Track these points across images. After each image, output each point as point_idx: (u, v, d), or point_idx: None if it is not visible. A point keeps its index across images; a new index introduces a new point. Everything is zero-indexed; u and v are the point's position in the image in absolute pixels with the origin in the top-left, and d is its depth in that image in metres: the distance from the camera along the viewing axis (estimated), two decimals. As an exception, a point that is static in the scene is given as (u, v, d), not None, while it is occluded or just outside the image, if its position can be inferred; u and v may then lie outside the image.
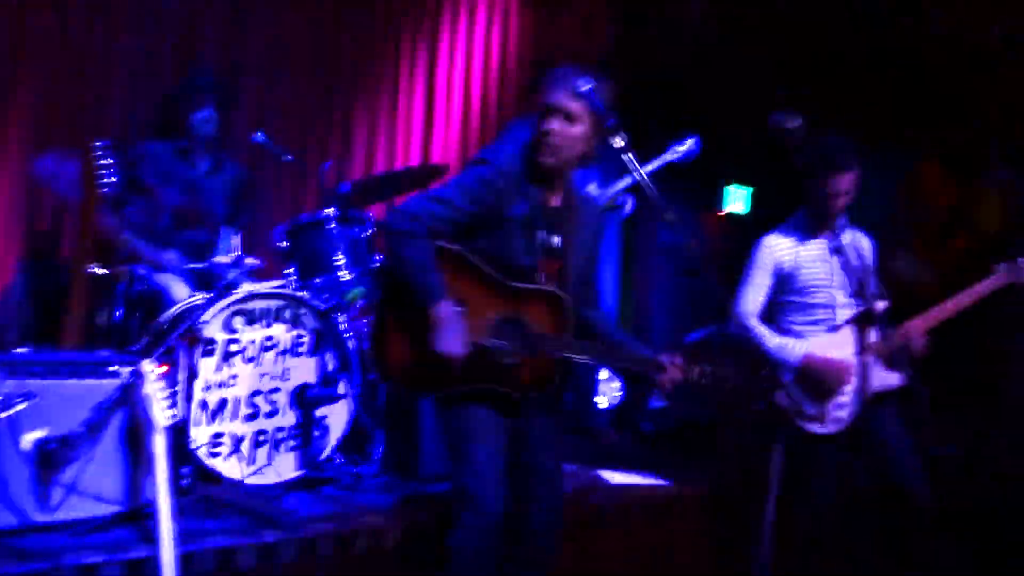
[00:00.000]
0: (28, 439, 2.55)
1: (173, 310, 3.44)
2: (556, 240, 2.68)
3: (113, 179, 3.03)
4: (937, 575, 3.31)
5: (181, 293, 3.57)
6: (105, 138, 3.17)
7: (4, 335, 3.42)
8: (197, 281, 3.61)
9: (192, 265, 3.69)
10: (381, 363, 2.61)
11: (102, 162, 3.02)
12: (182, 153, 3.99)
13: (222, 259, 3.62)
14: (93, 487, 2.66)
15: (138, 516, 2.70)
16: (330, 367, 3.46)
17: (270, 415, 3.35)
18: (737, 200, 6.46)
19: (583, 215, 2.75)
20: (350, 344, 3.47)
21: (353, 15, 5.21)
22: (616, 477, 3.86)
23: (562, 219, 2.69)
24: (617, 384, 4.45)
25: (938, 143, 5.59)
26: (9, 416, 2.46)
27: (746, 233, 3.69)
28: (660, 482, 3.89)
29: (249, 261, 3.61)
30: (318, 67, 5.05)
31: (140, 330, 3.47)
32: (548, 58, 5.41)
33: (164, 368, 2.65)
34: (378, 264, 3.70)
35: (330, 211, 3.74)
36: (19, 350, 2.70)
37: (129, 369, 2.77)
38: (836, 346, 3.29)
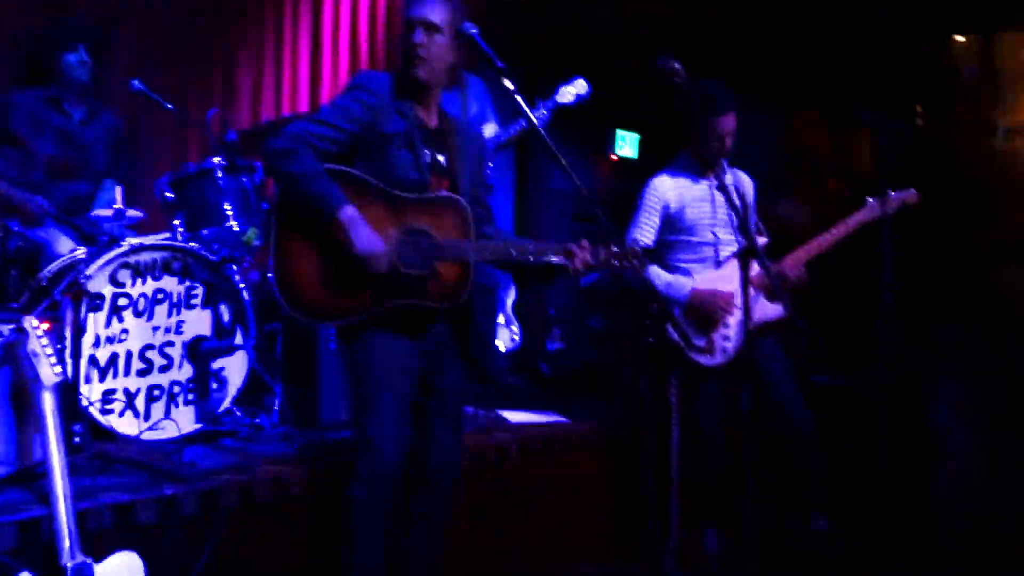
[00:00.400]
0: (-95, 402, 2.44)
1: (55, 264, 3.32)
2: (441, 159, 2.71)
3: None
4: (818, 506, 3.53)
5: (63, 248, 3.44)
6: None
7: None
8: (78, 235, 3.47)
9: (71, 218, 3.53)
10: (290, 296, 2.53)
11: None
12: (54, 101, 3.79)
13: (103, 212, 3.49)
14: (-22, 449, 2.57)
15: (29, 476, 2.63)
16: (225, 318, 3.41)
17: (164, 369, 3.28)
18: (626, 145, 6.60)
19: (465, 136, 2.80)
20: (244, 295, 3.42)
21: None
22: (516, 416, 3.95)
23: (443, 139, 2.74)
24: (516, 327, 4.52)
25: (813, 93, 5.83)
26: None
27: (635, 177, 3.79)
28: (559, 420, 4.00)
29: (132, 213, 3.50)
30: (199, 12, 4.89)
31: (20, 286, 3.34)
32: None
33: (48, 325, 2.56)
34: (268, 208, 3.65)
35: (217, 160, 3.65)
36: None
37: (10, 326, 2.66)
38: (721, 281, 3.44)
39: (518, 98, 2.63)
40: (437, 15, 2.61)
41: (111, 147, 3.92)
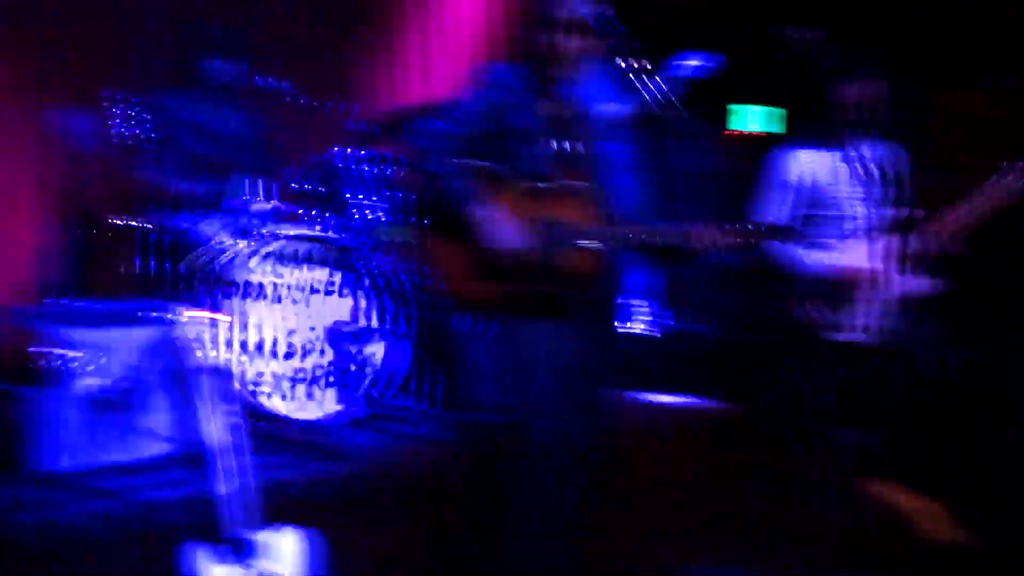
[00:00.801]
0: (84, 384, 2.63)
1: (205, 256, 3.50)
2: (570, 146, 2.74)
3: (133, 131, 3.05)
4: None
5: (209, 236, 3.62)
6: (120, 90, 3.19)
7: (49, 290, 3.48)
8: (225, 227, 3.65)
9: (219, 211, 3.72)
10: (437, 286, 2.66)
11: (118, 114, 3.04)
12: (200, 102, 3.99)
13: (251, 206, 3.66)
14: (147, 429, 2.75)
15: (193, 455, 2.79)
16: (364, 304, 3.53)
17: (308, 353, 3.43)
18: (753, 120, 6.43)
19: (591, 120, 2.81)
20: (381, 282, 3.53)
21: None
22: (657, 397, 3.93)
23: (572, 126, 2.75)
24: (652, 309, 4.52)
25: (963, 66, 5.55)
26: (66, 365, 2.53)
27: (763, 152, 3.71)
28: (698, 401, 3.97)
29: (272, 204, 3.66)
30: (327, 7, 5.04)
31: (174, 277, 3.53)
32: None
33: (202, 312, 2.72)
34: (400, 200, 3.75)
35: (352, 151, 3.78)
36: (67, 302, 2.76)
37: (169, 315, 2.83)
38: (860, 255, 3.33)
39: (638, 75, 2.62)
40: (577, 12, 2.61)
41: (253, 142, 4.10)
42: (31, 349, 1.84)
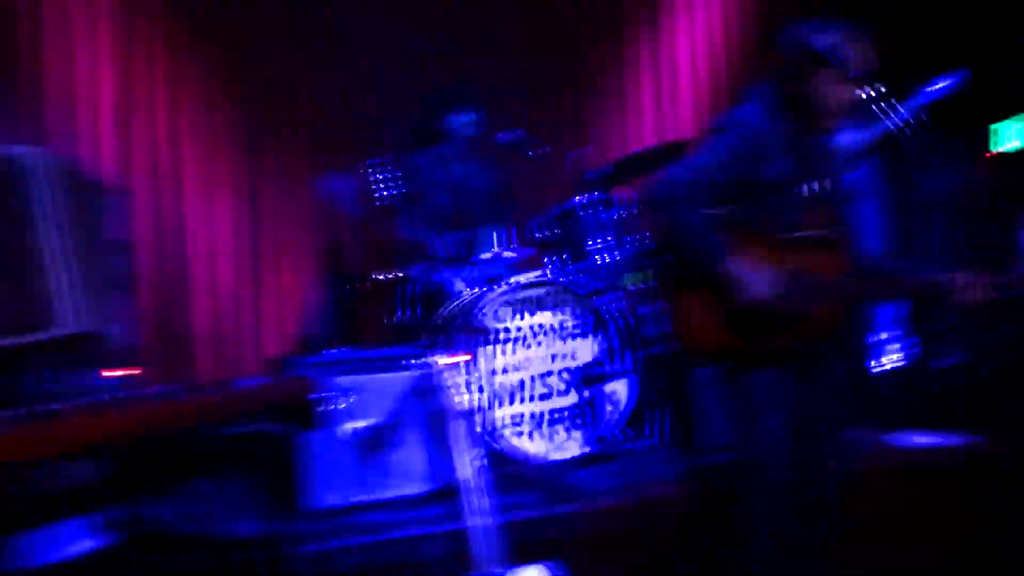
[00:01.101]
0: (348, 427, 2.86)
1: (452, 305, 3.72)
2: (815, 189, 2.65)
3: (389, 192, 3.30)
4: None
5: (457, 287, 3.85)
6: (377, 154, 3.48)
7: (313, 340, 3.84)
8: (469, 277, 3.87)
9: (467, 262, 3.95)
10: (687, 342, 2.64)
11: (377, 177, 3.30)
12: (445, 158, 4.28)
13: (494, 255, 3.86)
14: (406, 468, 2.94)
15: (448, 493, 2.95)
16: (604, 347, 3.59)
17: (550, 396, 3.53)
18: (1012, 137, 5.93)
19: (839, 162, 2.70)
20: (619, 325, 3.59)
21: (571, 7, 5.36)
22: (906, 438, 3.69)
23: (819, 168, 2.66)
24: (903, 343, 4.25)
25: None
26: (334, 408, 2.77)
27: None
28: (951, 438, 3.68)
29: (519, 252, 3.85)
30: (548, 58, 5.24)
31: (426, 326, 3.78)
32: (778, 14, 5.27)
33: (453, 359, 2.88)
34: (637, 244, 3.80)
35: (581, 197, 3.88)
36: (334, 351, 3.03)
37: (424, 361, 3.03)
38: None
39: (882, 101, 2.50)
40: (862, 62, 2.54)
41: (493, 194, 4.33)
42: (307, 395, 2.04)
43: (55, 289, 1.77)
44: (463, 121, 4.18)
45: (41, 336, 1.78)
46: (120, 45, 4.32)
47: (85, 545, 2.30)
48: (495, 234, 4.13)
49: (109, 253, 2.01)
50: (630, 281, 3.71)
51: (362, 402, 2.91)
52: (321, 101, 4.67)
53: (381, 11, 4.83)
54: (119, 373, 3.24)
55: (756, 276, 2.49)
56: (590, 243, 3.82)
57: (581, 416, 3.53)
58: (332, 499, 2.79)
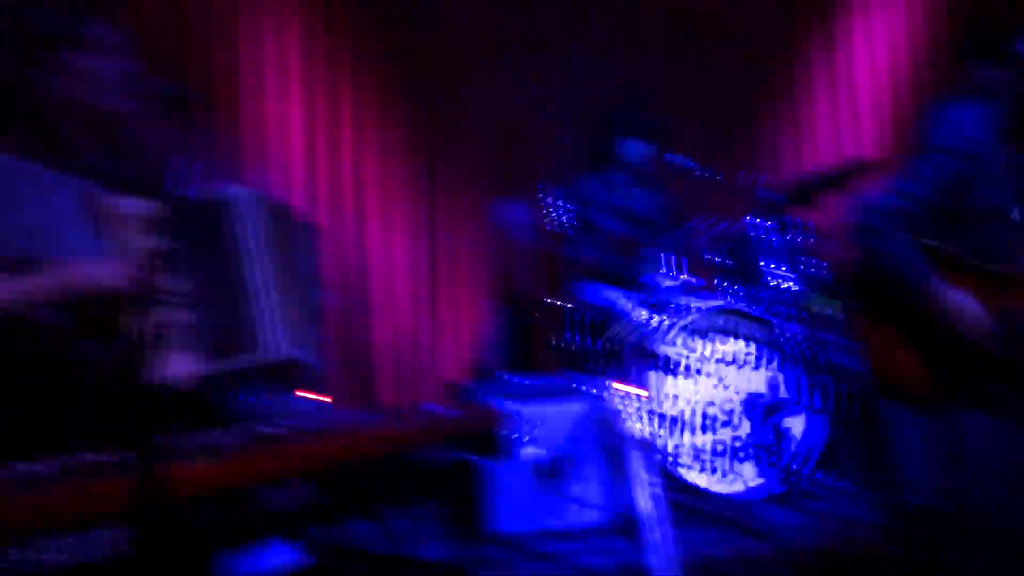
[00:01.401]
0: (527, 454, 2.89)
1: (621, 331, 3.70)
2: None
3: (562, 218, 3.33)
4: None
5: (630, 312, 3.83)
6: (550, 180, 3.51)
7: (487, 365, 3.91)
8: (644, 302, 3.84)
9: (637, 287, 3.92)
10: (883, 377, 2.52)
11: (551, 204, 3.33)
12: (615, 184, 4.27)
13: (664, 281, 3.81)
14: (582, 497, 2.93)
15: (624, 524, 2.93)
16: (781, 377, 3.48)
17: (727, 425, 3.44)
18: None
19: None
20: (807, 353, 3.46)
21: (741, 24, 5.25)
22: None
23: None
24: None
25: None
26: (513, 436, 2.80)
27: None
28: None
29: (685, 279, 3.78)
30: (719, 77, 5.15)
31: (598, 353, 3.77)
32: (975, 24, 4.97)
33: (627, 387, 2.86)
34: (814, 269, 3.66)
35: (759, 220, 3.78)
36: (509, 378, 3.07)
37: (598, 389, 3.02)
38: None
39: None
40: None
41: (664, 219, 4.29)
42: (494, 424, 2.08)
43: (261, 318, 1.89)
44: (634, 149, 4.17)
45: (249, 361, 1.90)
46: (306, 84, 4.58)
47: (285, 561, 2.43)
48: (666, 258, 4.08)
49: (308, 285, 2.13)
50: (815, 304, 3.58)
51: (541, 430, 2.93)
52: (494, 128, 4.78)
53: (553, 36, 4.90)
54: (312, 397, 3.41)
55: (965, 310, 2.35)
56: (764, 267, 3.71)
57: (759, 450, 3.43)
58: (513, 526, 2.82)
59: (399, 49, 4.71)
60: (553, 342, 3.67)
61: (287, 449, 1.52)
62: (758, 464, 3.41)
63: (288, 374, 2.09)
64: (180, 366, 1.83)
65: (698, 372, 3.44)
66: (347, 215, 4.60)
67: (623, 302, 3.88)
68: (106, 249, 1.84)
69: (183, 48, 4.27)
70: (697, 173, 4.18)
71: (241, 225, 1.91)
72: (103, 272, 1.79)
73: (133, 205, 1.85)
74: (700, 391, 3.43)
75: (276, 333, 1.91)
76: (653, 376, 3.35)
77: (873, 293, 2.51)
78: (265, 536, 1.69)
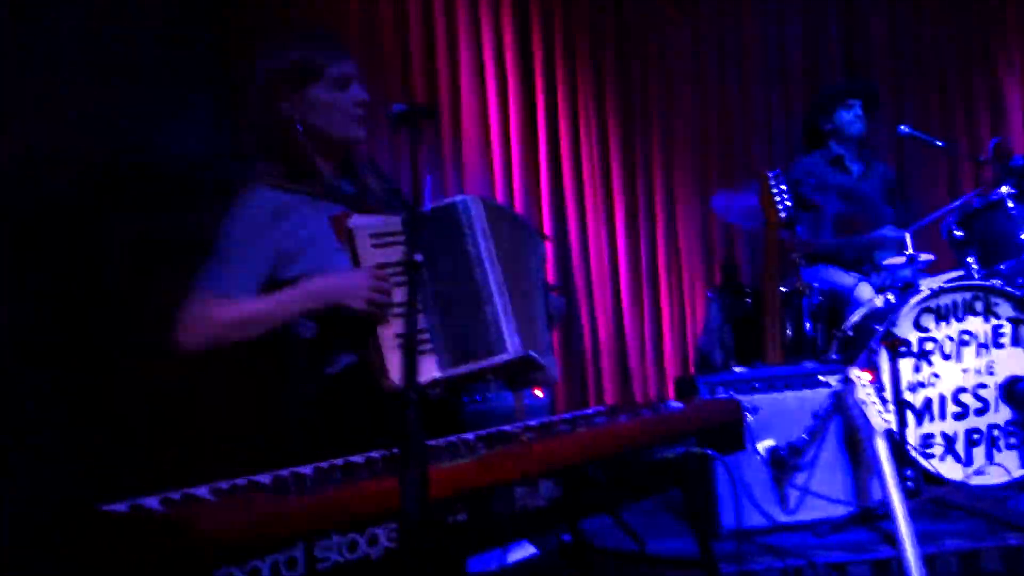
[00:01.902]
0: (761, 447, 2.81)
1: (856, 316, 3.51)
2: None
3: (788, 203, 3.21)
4: None
5: (863, 294, 3.64)
6: (770, 166, 3.39)
7: (710, 358, 3.84)
8: (880, 284, 3.64)
9: (871, 269, 3.73)
10: None
11: (777, 190, 3.22)
12: (835, 161, 4.10)
13: (895, 260, 3.59)
14: (823, 490, 2.82)
15: (869, 517, 2.79)
16: (1040, 355, 3.18)
17: (980, 412, 3.19)
18: None
19: None
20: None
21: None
22: None
23: None
24: None
25: None
26: (749, 429, 2.74)
27: None
28: None
29: (924, 257, 3.54)
30: (950, 39, 4.77)
31: (828, 339, 3.61)
32: None
33: (868, 373, 2.71)
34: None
35: (1006, 190, 3.48)
36: (736, 370, 2.99)
37: (837, 377, 2.89)
38: None
39: None
40: None
41: (886, 195, 4.05)
42: (732, 417, 2.04)
43: (497, 319, 1.94)
44: (849, 117, 3.98)
45: (488, 363, 1.97)
46: (523, 90, 4.68)
47: (527, 556, 2.50)
48: (904, 236, 3.84)
49: (537, 288, 2.17)
50: None
51: (776, 421, 2.84)
52: (707, 117, 4.70)
53: (762, 21, 4.74)
54: (538, 394, 3.48)
55: None
56: (1020, 239, 3.40)
57: (1010, 436, 3.15)
58: (750, 520, 2.75)
59: (612, 45, 4.72)
60: (781, 331, 3.54)
61: (531, 449, 1.56)
62: (1019, 451, 3.14)
63: (523, 375, 2.14)
64: (424, 372, 1.93)
65: (946, 355, 3.21)
66: (569, 216, 4.66)
67: (857, 285, 3.69)
68: (351, 265, 1.96)
69: (407, 61, 4.50)
70: (934, 143, 3.92)
71: (471, 230, 1.97)
72: (349, 283, 1.92)
73: (374, 222, 1.97)
74: (948, 375, 3.20)
75: (512, 334, 1.96)
76: (896, 361, 3.16)
77: None
78: (514, 535, 1.75)
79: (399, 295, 1.94)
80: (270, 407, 2.25)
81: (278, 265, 2.02)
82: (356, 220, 1.96)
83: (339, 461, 1.58)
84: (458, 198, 2.01)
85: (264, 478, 1.47)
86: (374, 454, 1.62)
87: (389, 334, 1.93)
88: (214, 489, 1.41)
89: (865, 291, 3.63)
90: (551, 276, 4.47)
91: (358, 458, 1.59)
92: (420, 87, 4.56)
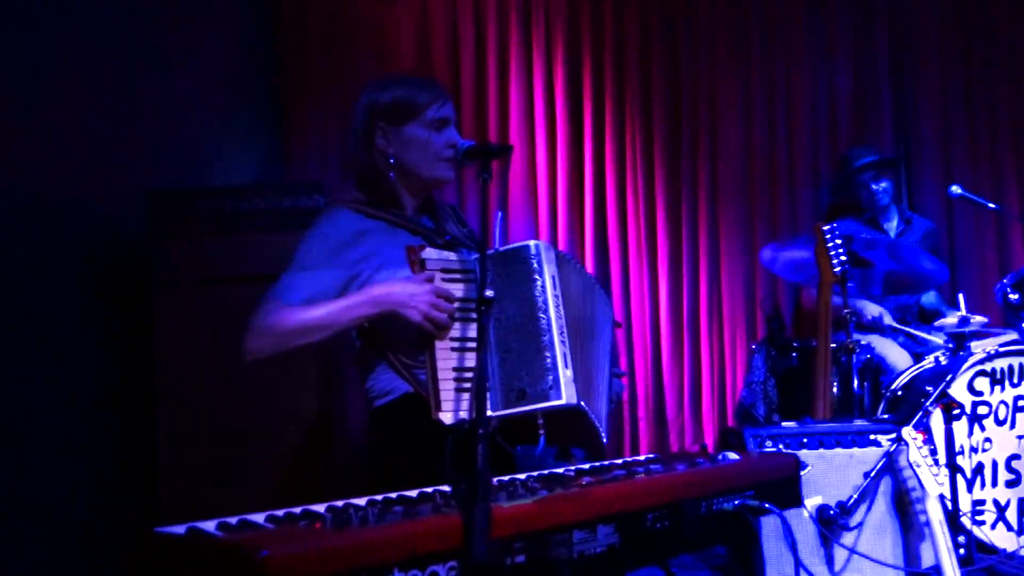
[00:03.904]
0: (810, 504, 2.74)
1: (905, 376, 3.45)
2: None
3: (843, 257, 3.18)
4: None
5: (896, 358, 3.59)
6: (824, 222, 3.36)
7: (752, 411, 3.78)
8: (927, 345, 3.58)
9: (920, 328, 3.68)
10: None
11: (832, 244, 3.19)
12: (871, 221, 4.13)
13: (948, 320, 3.53)
14: (872, 552, 2.74)
15: (920, 583, 2.70)
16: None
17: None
18: None
19: None
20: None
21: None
22: None
23: None
24: None
25: None
26: (799, 484, 2.67)
27: None
28: None
29: (977, 319, 3.47)
30: (999, 99, 4.73)
31: (875, 398, 3.54)
32: None
33: (919, 434, 2.65)
34: None
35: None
36: (785, 424, 2.94)
37: (889, 437, 2.82)
38: None
39: None
40: None
41: (930, 251, 4.01)
42: (790, 472, 1.99)
43: (558, 366, 1.93)
44: (876, 190, 4.06)
45: (544, 406, 1.95)
46: (571, 133, 4.70)
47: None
48: (948, 298, 3.79)
49: (599, 342, 2.17)
50: None
51: (825, 479, 2.78)
52: (754, 167, 4.69)
53: (804, 63, 4.74)
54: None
55: None
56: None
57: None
58: (799, 578, 2.68)
59: (661, 91, 4.73)
60: (826, 387, 3.48)
61: (592, 492, 1.53)
62: (1075, 525, 3.05)
63: (574, 429, 2.12)
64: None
65: (998, 420, 3.13)
66: (612, 261, 4.65)
67: (890, 343, 3.64)
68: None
69: (458, 100, 4.54)
70: (985, 205, 3.89)
71: (540, 275, 1.99)
72: (410, 292, 1.96)
73: (447, 256, 2.00)
74: (1002, 441, 3.12)
75: (569, 382, 1.95)
76: (949, 424, 3.09)
77: None
78: (569, 576, 1.71)
79: (459, 331, 1.94)
80: (317, 432, 2.25)
81: (350, 284, 2.06)
82: (430, 252, 2.00)
83: (392, 495, 1.56)
84: (531, 242, 2.04)
85: (318, 507, 1.45)
86: (427, 489, 1.60)
87: (447, 367, 1.93)
88: (271, 517, 1.39)
89: (896, 352, 3.59)
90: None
91: (411, 492, 1.56)
92: (468, 126, 4.59)
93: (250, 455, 2.94)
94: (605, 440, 2.20)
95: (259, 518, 1.37)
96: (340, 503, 1.48)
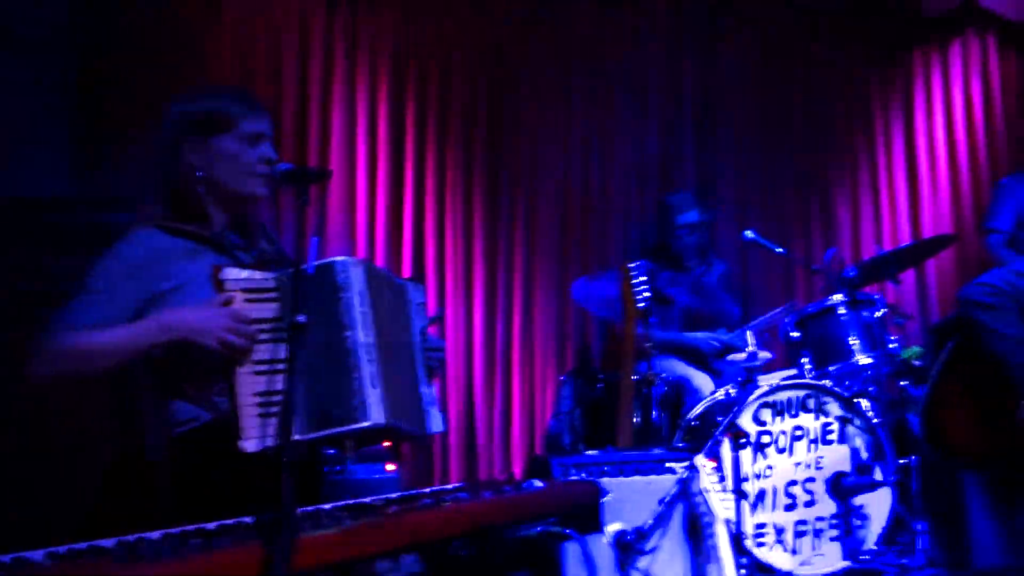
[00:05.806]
0: (608, 531, 2.85)
1: (700, 407, 3.66)
2: None
3: (647, 294, 3.34)
4: None
5: (702, 386, 3.80)
6: (632, 258, 3.54)
7: (559, 440, 3.90)
8: (721, 378, 3.82)
9: (714, 362, 3.91)
10: (941, 437, 2.51)
11: (637, 282, 3.35)
12: (675, 261, 4.36)
13: (737, 356, 3.79)
14: (664, 575, 2.87)
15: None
16: (863, 454, 3.41)
17: (808, 504, 3.37)
18: None
19: None
20: (881, 431, 3.40)
21: (817, 103, 5.30)
22: None
23: None
24: None
25: None
26: (599, 511, 2.77)
27: None
28: None
29: (763, 355, 3.74)
30: (791, 156, 5.18)
31: (672, 427, 3.74)
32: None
33: (709, 462, 2.82)
34: (897, 345, 3.62)
35: (838, 297, 3.75)
36: (589, 452, 3.05)
37: (683, 464, 2.98)
38: None
39: None
40: None
41: (726, 291, 4.30)
42: (592, 498, 2.07)
43: (365, 388, 1.91)
44: (690, 240, 4.27)
45: (350, 428, 1.92)
46: (393, 159, 4.71)
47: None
48: (741, 334, 4.06)
49: (415, 348, 2.17)
50: (913, 354, 3.54)
51: (625, 506, 2.89)
52: (569, 204, 4.87)
53: (620, 115, 5.00)
54: (390, 468, 3.42)
55: None
56: (844, 344, 3.66)
57: (833, 528, 3.34)
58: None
59: (483, 129, 4.84)
60: (629, 417, 3.64)
61: (399, 522, 1.53)
62: (843, 543, 3.32)
63: (388, 437, 2.11)
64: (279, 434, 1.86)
65: (779, 449, 3.38)
66: (429, 290, 4.68)
67: (700, 377, 3.86)
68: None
69: (278, 118, 4.44)
70: (772, 249, 4.19)
71: (347, 293, 1.95)
72: (203, 318, 1.86)
73: (248, 276, 1.92)
74: (781, 468, 3.37)
75: (377, 402, 1.93)
76: (733, 452, 3.30)
77: (956, 354, 2.50)
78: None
79: (266, 352, 1.88)
80: (112, 464, 2.11)
81: (148, 307, 1.94)
82: (229, 272, 1.91)
83: (190, 527, 1.50)
84: (338, 259, 1.98)
85: (107, 543, 1.38)
86: (229, 521, 1.55)
87: (248, 393, 1.86)
88: (50, 553, 1.30)
89: (705, 384, 3.80)
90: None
91: (211, 525, 1.51)
92: (289, 146, 4.50)
93: (53, 479, 2.74)
94: (440, 428, 2.21)
95: (38, 556, 1.29)
96: (132, 537, 1.41)
